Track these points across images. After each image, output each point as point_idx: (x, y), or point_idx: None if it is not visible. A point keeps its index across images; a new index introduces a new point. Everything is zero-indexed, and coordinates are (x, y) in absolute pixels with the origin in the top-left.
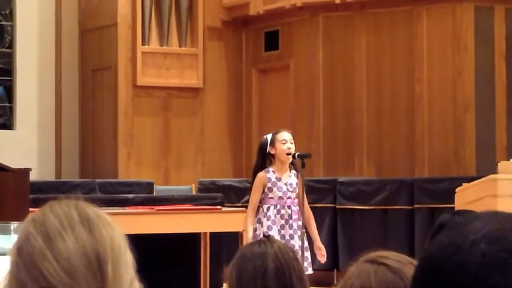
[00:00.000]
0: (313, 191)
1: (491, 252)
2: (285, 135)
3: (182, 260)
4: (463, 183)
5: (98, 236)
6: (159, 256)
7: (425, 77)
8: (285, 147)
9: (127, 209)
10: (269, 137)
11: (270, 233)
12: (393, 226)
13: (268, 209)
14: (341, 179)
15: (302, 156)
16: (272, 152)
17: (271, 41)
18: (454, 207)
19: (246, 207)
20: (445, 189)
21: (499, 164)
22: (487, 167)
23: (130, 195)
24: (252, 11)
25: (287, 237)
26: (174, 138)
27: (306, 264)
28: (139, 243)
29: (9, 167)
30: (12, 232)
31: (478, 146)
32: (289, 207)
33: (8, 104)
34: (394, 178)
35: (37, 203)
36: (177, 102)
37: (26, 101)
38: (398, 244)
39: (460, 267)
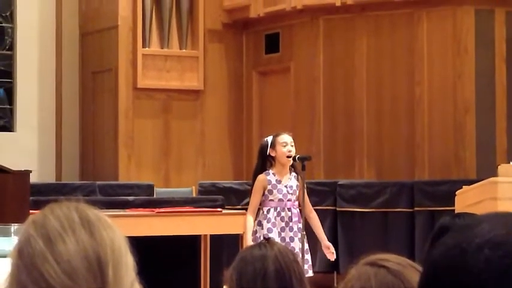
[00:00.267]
0: (314, 193)
1: (494, 258)
2: (286, 138)
3: (182, 262)
4: (463, 186)
5: (98, 238)
6: (160, 258)
7: (425, 79)
8: (285, 149)
9: (127, 211)
10: (269, 139)
11: (270, 235)
12: (393, 229)
13: (268, 211)
14: (341, 181)
15: (302, 159)
16: (272, 154)
17: (272, 44)
18: (454, 210)
19: (247, 209)
20: (446, 191)
21: (499, 166)
22: (487, 170)
23: (131, 198)
24: (253, 14)
25: (287, 239)
26: (174, 141)
27: (306, 266)
28: (140, 245)
29: (9, 169)
30: (12, 234)
31: (478, 148)
32: (289, 209)
33: (8, 106)
34: (395, 181)
35: (37, 205)
36: (178, 105)
37: (26, 103)
38: (399, 247)
39: (463, 271)
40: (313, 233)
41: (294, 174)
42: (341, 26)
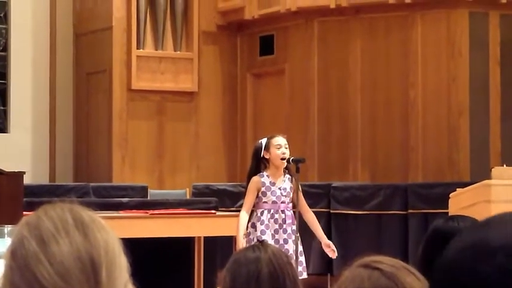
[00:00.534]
0: (307, 195)
1: (508, 266)
2: (280, 140)
3: (176, 264)
4: (457, 189)
5: (92, 239)
6: (153, 260)
7: (419, 82)
8: (279, 152)
9: (121, 213)
10: (264, 141)
11: (264, 237)
12: (387, 231)
13: (262, 213)
14: (335, 184)
15: (296, 161)
16: (266, 156)
17: (266, 46)
18: (447, 213)
19: (240, 211)
20: (439, 194)
21: (493, 169)
22: (481, 173)
23: (125, 199)
24: (247, 16)
25: (281, 241)
26: (168, 143)
27: (300, 268)
28: (134, 247)
29: (3, 170)
30: (6, 235)
31: (472, 151)
32: (283, 211)
33: (2, 107)
34: (388, 183)
35: (31, 207)
36: (172, 106)
37: (20, 104)
38: (392, 249)
39: (474, 275)
40: (308, 234)
41: (288, 176)
42: (335, 29)
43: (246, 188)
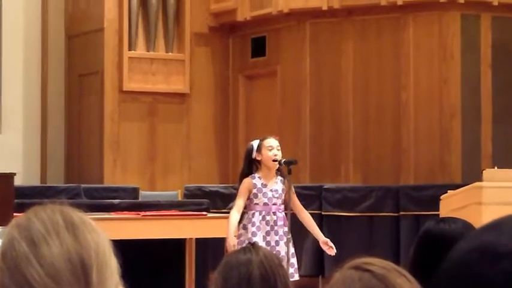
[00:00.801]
0: (299, 197)
1: None
2: (272, 142)
3: (167, 265)
4: (449, 191)
5: (82, 241)
6: (145, 262)
7: (411, 84)
8: (271, 153)
9: (112, 215)
10: (256, 143)
11: (255, 239)
12: (379, 233)
13: (253, 215)
14: (327, 185)
15: (288, 163)
16: (258, 158)
17: (258, 47)
18: (439, 215)
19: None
20: (431, 196)
21: (484, 171)
22: (472, 175)
23: (116, 201)
24: (239, 17)
25: (272, 243)
26: (160, 144)
27: (292, 270)
28: (125, 248)
29: None
30: None
31: (464, 153)
32: (274, 213)
33: None
34: (380, 185)
35: (22, 208)
36: (164, 108)
37: (11, 105)
38: (384, 251)
39: (479, 278)
40: (299, 236)
41: (280, 178)
42: (327, 30)
43: (238, 189)
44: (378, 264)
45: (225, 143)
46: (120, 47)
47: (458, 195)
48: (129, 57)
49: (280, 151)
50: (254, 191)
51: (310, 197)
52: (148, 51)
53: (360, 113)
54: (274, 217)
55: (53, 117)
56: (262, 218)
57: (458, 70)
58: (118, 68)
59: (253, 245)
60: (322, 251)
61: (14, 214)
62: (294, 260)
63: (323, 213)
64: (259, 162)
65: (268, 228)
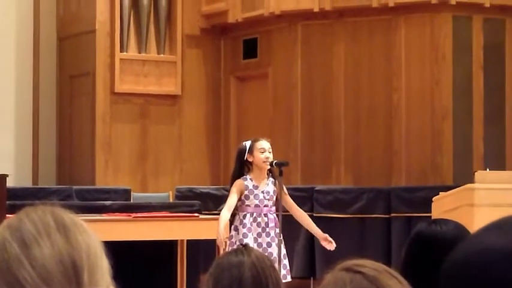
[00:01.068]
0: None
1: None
2: (264, 144)
3: (159, 267)
4: (440, 192)
5: (74, 242)
6: (136, 263)
7: (403, 86)
8: (262, 156)
9: (104, 216)
10: (248, 144)
11: (246, 240)
12: (370, 235)
13: (244, 216)
14: (318, 187)
15: (280, 165)
16: (250, 159)
17: (250, 49)
18: (430, 216)
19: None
20: (422, 198)
21: (476, 173)
22: (464, 176)
23: (107, 202)
24: (231, 19)
25: (264, 245)
26: (151, 146)
27: (284, 271)
28: (116, 250)
29: None
30: None
31: (456, 155)
32: (265, 215)
33: None
34: (372, 187)
35: (13, 210)
36: (155, 110)
37: (3, 106)
38: (375, 252)
39: (484, 279)
40: (291, 238)
41: (271, 179)
42: (319, 32)
43: (229, 191)
44: (370, 266)
45: (216, 144)
46: (112, 48)
47: (450, 197)
48: (121, 59)
49: (271, 153)
50: (246, 192)
51: (302, 198)
52: (140, 52)
53: (352, 115)
54: (266, 219)
55: (45, 118)
56: (254, 220)
57: (450, 72)
58: (110, 69)
59: (245, 247)
60: (313, 253)
61: (6, 215)
62: (286, 262)
63: (314, 214)
64: (250, 163)
65: (259, 230)
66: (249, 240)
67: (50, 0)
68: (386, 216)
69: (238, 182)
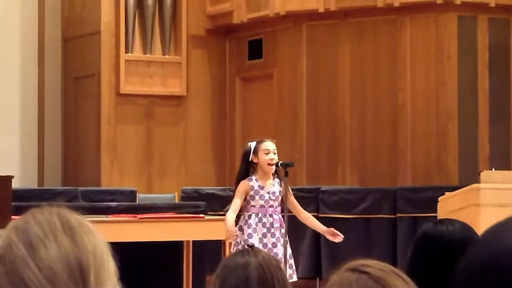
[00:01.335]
0: (296, 199)
1: None
2: (269, 146)
3: (165, 268)
4: (446, 193)
5: (80, 244)
6: (142, 264)
7: (408, 86)
8: (267, 157)
9: (110, 217)
10: (253, 145)
11: (251, 241)
12: (376, 235)
13: (249, 217)
14: (324, 187)
15: (285, 165)
16: (255, 161)
17: (255, 50)
18: (436, 216)
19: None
20: (428, 198)
21: (481, 173)
22: (469, 177)
23: (113, 204)
24: (236, 20)
25: (269, 245)
26: (157, 147)
27: (290, 271)
28: (122, 251)
29: None
30: None
31: (461, 155)
32: (270, 215)
33: None
34: (377, 187)
35: (19, 211)
36: (160, 111)
37: (8, 108)
38: (381, 253)
39: (498, 275)
40: (296, 239)
41: (277, 180)
42: (324, 32)
43: (234, 191)
44: (375, 266)
45: (221, 145)
46: (117, 49)
47: (455, 197)
48: (126, 60)
49: (276, 155)
50: (251, 193)
51: (307, 199)
52: (145, 53)
53: (357, 115)
54: (271, 219)
55: (50, 120)
56: (259, 220)
57: (455, 71)
58: (115, 70)
59: (251, 248)
60: (319, 253)
61: (12, 217)
62: (292, 261)
63: (320, 215)
64: (256, 164)
65: (264, 230)
66: (254, 241)
67: (54, 1)
68: (392, 216)
69: (243, 183)
